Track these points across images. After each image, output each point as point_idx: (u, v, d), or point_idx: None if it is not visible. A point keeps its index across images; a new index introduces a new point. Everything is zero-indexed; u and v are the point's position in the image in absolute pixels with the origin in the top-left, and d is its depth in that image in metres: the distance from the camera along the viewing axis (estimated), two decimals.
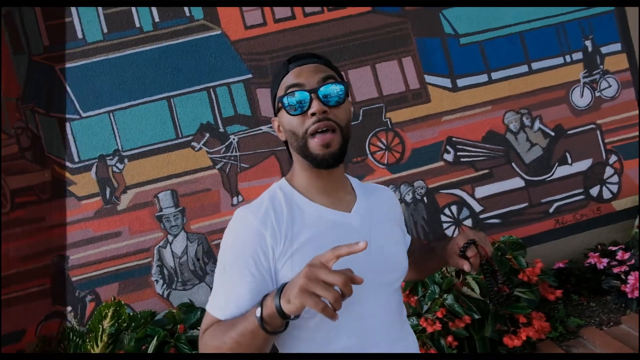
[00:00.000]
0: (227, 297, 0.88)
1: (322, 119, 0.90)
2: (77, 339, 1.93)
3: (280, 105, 0.94)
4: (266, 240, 0.89)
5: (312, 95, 0.90)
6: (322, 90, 0.90)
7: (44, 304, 2.03)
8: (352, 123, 2.09)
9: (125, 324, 1.88)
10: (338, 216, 0.95)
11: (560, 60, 2.27)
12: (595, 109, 2.29)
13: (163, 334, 1.78)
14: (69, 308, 2.05)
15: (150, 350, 1.73)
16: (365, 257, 0.89)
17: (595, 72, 2.29)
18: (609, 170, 2.30)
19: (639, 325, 1.63)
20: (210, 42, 2.10)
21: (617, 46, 2.30)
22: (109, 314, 1.87)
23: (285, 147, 1.01)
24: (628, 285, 1.76)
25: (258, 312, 0.80)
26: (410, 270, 1.08)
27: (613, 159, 2.30)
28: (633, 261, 1.82)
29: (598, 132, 2.30)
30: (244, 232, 0.90)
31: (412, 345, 1.04)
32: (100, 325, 1.82)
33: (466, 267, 0.93)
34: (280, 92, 0.95)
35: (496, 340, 1.59)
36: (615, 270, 1.85)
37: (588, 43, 2.29)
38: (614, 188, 2.30)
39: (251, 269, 0.87)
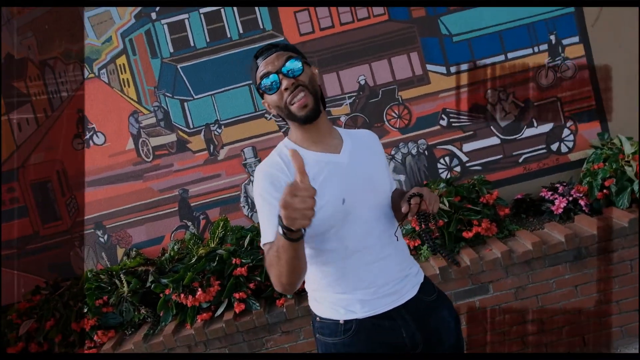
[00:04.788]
0: (265, 227, 1.15)
1: (293, 89, 1.15)
2: (197, 240, 3.05)
3: (261, 91, 1.20)
4: (279, 179, 1.12)
5: (280, 75, 1.14)
6: (284, 68, 1.14)
7: (174, 220, 3.17)
8: (374, 100, 3.07)
9: (229, 231, 2.97)
10: (330, 157, 1.21)
11: (529, 51, 3.06)
12: (557, 86, 3.09)
13: (252, 234, 2.86)
14: (190, 223, 3.18)
15: (246, 243, 2.80)
16: (356, 183, 1.20)
17: (557, 58, 3.08)
18: (566, 131, 3.11)
19: (557, 229, 2.52)
20: None
21: (575, 39, 3.06)
22: (221, 224, 2.96)
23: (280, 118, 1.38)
24: (554, 206, 2.64)
25: (280, 230, 0.99)
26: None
27: (569, 123, 3.10)
28: (561, 190, 2.70)
29: (559, 103, 3.10)
30: (262, 179, 1.17)
31: (402, 249, 1.29)
32: (216, 231, 2.92)
33: (404, 209, 1.14)
34: (258, 81, 1.20)
35: (458, 235, 2.54)
36: (552, 198, 2.73)
37: (552, 37, 3.07)
38: (570, 144, 3.11)
39: (272, 202, 1.11)
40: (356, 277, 1.20)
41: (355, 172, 1.21)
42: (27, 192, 3.13)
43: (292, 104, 1.16)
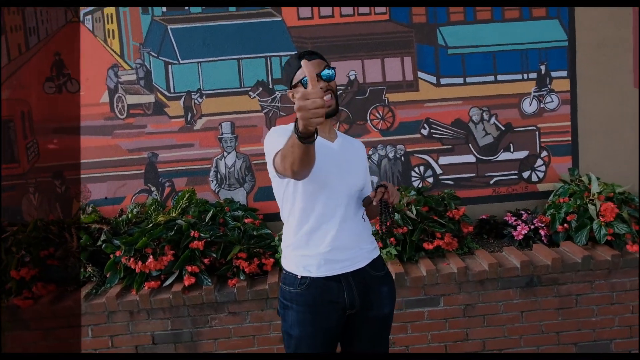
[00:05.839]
0: (276, 145, 1.39)
1: (325, 90, 1.48)
2: (159, 207, 2.97)
3: (299, 83, 1.49)
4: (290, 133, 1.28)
5: (318, 77, 1.46)
6: (323, 73, 1.48)
7: (138, 182, 3.07)
8: (360, 97, 3.05)
9: (193, 203, 2.90)
10: (326, 142, 1.55)
11: (519, 76, 3.11)
12: (538, 116, 3.14)
13: (216, 210, 2.80)
14: (154, 188, 3.09)
15: (207, 217, 2.74)
16: (340, 165, 1.52)
17: (543, 89, 3.13)
18: (539, 161, 3.17)
19: (513, 253, 2.57)
20: (273, 25, 3.02)
21: (564, 73, 3.12)
22: (186, 195, 2.89)
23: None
24: (515, 232, 2.70)
25: (295, 135, 1.18)
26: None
27: (544, 153, 3.16)
28: (525, 217, 2.75)
29: (537, 132, 3.16)
30: (278, 129, 1.49)
31: (363, 228, 1.59)
32: (180, 201, 2.84)
33: (371, 194, 1.49)
34: (298, 77, 1.50)
35: (419, 244, 2.56)
36: (515, 223, 2.79)
37: (542, 67, 3.11)
38: (541, 175, 3.18)
39: (283, 133, 1.38)
40: (319, 237, 1.49)
41: (340, 157, 1.54)
42: None
43: None
